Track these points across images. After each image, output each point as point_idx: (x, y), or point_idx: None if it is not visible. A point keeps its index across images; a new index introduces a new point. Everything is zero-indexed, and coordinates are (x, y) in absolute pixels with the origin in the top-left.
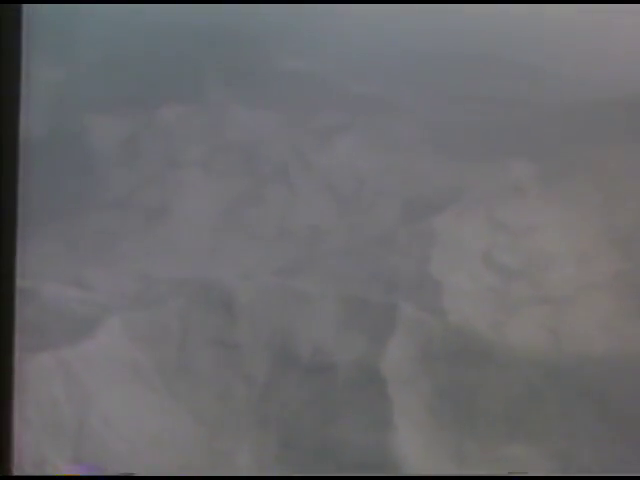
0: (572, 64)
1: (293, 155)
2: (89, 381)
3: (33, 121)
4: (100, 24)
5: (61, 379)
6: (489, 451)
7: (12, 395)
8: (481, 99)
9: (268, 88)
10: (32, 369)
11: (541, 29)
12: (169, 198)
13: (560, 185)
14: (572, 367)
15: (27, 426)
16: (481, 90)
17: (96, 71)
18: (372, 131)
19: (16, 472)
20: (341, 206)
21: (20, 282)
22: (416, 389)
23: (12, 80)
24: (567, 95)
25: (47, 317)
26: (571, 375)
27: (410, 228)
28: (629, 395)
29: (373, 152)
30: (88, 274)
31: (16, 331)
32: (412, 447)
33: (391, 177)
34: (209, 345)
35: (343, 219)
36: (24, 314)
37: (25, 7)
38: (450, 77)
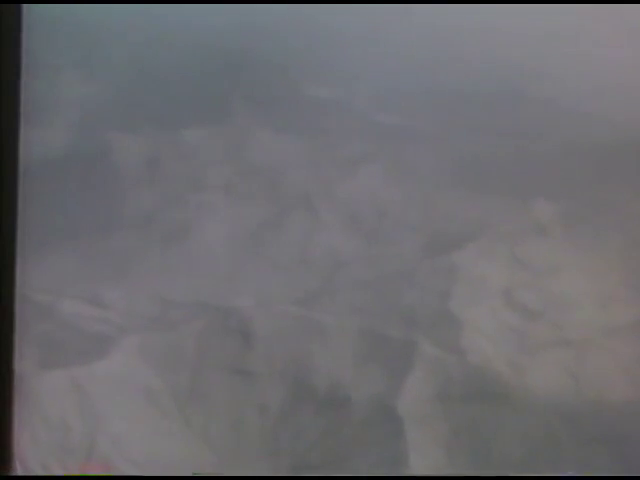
0: (598, 101)
1: (315, 183)
2: (101, 402)
3: (54, 137)
4: (126, 43)
5: (73, 398)
6: None
7: (12, 395)
8: (507, 134)
9: (293, 114)
10: (44, 386)
11: (569, 66)
12: (189, 220)
13: (582, 226)
14: (591, 412)
15: (35, 444)
16: (507, 125)
17: (121, 89)
18: (396, 162)
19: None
20: (362, 237)
21: (36, 297)
22: (432, 429)
23: (12, 80)
24: (593, 133)
25: (62, 334)
26: (589, 420)
27: (430, 262)
28: None
29: (396, 183)
30: (105, 293)
31: (21, 337)
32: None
33: (413, 209)
34: (224, 372)
35: (363, 250)
36: (40, 330)
37: (30, 8)
38: (478, 111)
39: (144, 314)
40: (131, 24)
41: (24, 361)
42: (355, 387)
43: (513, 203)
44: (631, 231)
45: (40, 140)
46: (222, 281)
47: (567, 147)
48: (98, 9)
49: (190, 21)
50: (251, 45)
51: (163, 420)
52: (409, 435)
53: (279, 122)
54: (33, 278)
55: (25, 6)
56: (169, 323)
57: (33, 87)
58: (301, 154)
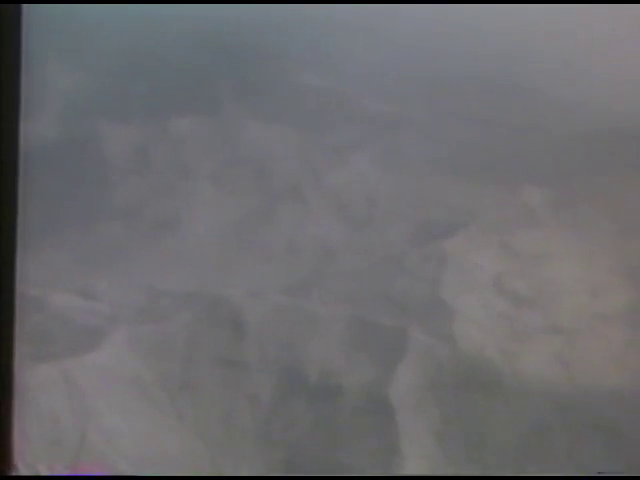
0: (591, 92)
1: (305, 172)
2: (91, 395)
3: (43, 127)
4: (117, 32)
5: (63, 391)
6: None
7: (12, 395)
8: (497, 123)
9: (282, 103)
10: (34, 379)
11: (563, 56)
12: (178, 210)
13: (573, 213)
14: (583, 399)
15: (26, 439)
16: (497, 114)
17: (111, 79)
18: (386, 150)
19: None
20: (352, 226)
21: (26, 290)
22: (424, 417)
23: (12, 80)
24: (584, 123)
25: (52, 326)
26: (582, 407)
27: (421, 250)
28: None
29: (386, 171)
30: (95, 284)
31: (16, 331)
32: (418, 474)
33: (403, 198)
34: (215, 362)
35: (353, 239)
36: (30, 322)
37: (32, 8)
38: (468, 100)
39: (134, 305)
40: (121, 14)
41: (15, 354)
42: (346, 376)
43: (503, 191)
44: (622, 218)
45: (28, 130)
46: (212, 271)
47: (558, 135)
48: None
49: (180, 12)
50: (241, 35)
51: (154, 412)
52: (401, 424)
53: (269, 111)
54: (22, 270)
55: (25, 6)
56: (159, 313)
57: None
58: (291, 143)
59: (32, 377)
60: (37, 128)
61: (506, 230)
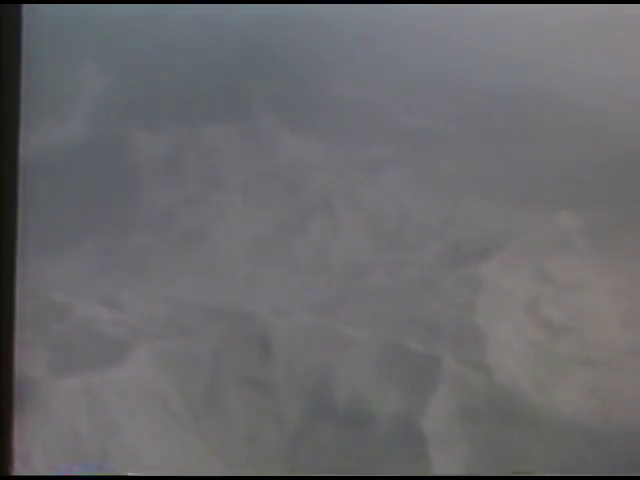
0: (630, 108)
1: (336, 186)
2: (114, 411)
3: (71, 131)
4: (145, 36)
5: (85, 405)
6: None
7: (13, 393)
8: (533, 142)
9: (314, 114)
10: (56, 391)
11: (601, 69)
12: (208, 221)
13: (610, 239)
14: (618, 435)
15: (46, 452)
16: (535, 132)
17: (143, 84)
18: (419, 166)
19: (16, 472)
20: (383, 243)
21: (50, 297)
22: (456, 448)
23: (12, 80)
24: (624, 141)
25: (76, 336)
26: (617, 443)
27: (454, 273)
28: None
29: (419, 188)
30: (121, 294)
31: (16, 332)
32: None
33: (436, 216)
34: (241, 382)
35: (384, 257)
36: (53, 331)
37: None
38: (505, 117)
39: (159, 317)
40: (151, 17)
41: (36, 366)
42: (377, 403)
43: (538, 214)
44: None
45: (55, 135)
46: (239, 285)
47: (596, 155)
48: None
49: (212, 16)
50: (274, 43)
51: (178, 431)
52: (432, 456)
53: (300, 122)
54: (48, 277)
55: (25, 6)
56: (185, 328)
57: (49, 80)
58: (322, 156)
59: (54, 389)
60: (64, 133)
61: (541, 255)
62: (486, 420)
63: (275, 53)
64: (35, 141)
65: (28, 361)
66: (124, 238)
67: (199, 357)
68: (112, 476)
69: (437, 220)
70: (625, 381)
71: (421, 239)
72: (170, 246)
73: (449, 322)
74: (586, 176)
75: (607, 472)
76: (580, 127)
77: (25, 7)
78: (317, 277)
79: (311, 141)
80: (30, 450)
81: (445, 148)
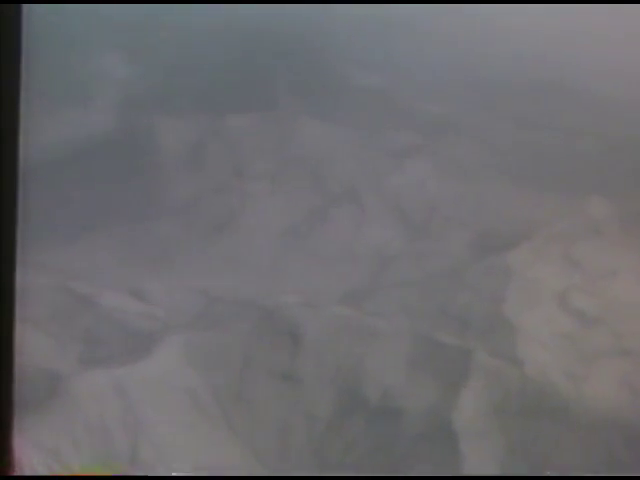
0: None
1: (363, 175)
2: (143, 405)
3: (97, 120)
4: (173, 27)
5: (114, 399)
6: None
7: (12, 392)
8: (560, 129)
9: (340, 104)
10: (84, 385)
11: (623, 59)
12: (233, 211)
13: None
14: None
15: (75, 446)
16: (560, 120)
17: (167, 74)
18: (445, 155)
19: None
20: (410, 232)
21: (76, 289)
22: (488, 443)
23: (12, 80)
24: None
25: (103, 328)
26: None
27: (482, 263)
28: None
29: (445, 177)
30: (147, 285)
31: (16, 333)
32: None
33: (463, 205)
34: (270, 375)
35: (412, 247)
36: (79, 323)
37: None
38: (529, 105)
39: (186, 310)
40: (179, 9)
41: (65, 358)
42: (408, 397)
43: (568, 201)
44: None
45: (82, 123)
46: (268, 276)
47: (625, 143)
48: None
49: (238, 8)
50: (299, 33)
51: (207, 426)
52: (464, 451)
53: (326, 112)
54: (72, 268)
55: (26, 6)
56: (213, 320)
57: (77, 69)
58: (348, 145)
59: (82, 383)
60: (89, 122)
61: (571, 243)
62: (518, 415)
63: (299, 42)
64: (49, 137)
65: (55, 355)
66: (150, 228)
67: (228, 351)
68: (112, 476)
69: (464, 209)
70: None
71: (448, 228)
72: (196, 236)
73: (479, 314)
74: (617, 163)
75: (636, 466)
76: (610, 116)
77: (25, 7)
78: (345, 268)
79: (335, 129)
80: (59, 445)
81: (470, 137)
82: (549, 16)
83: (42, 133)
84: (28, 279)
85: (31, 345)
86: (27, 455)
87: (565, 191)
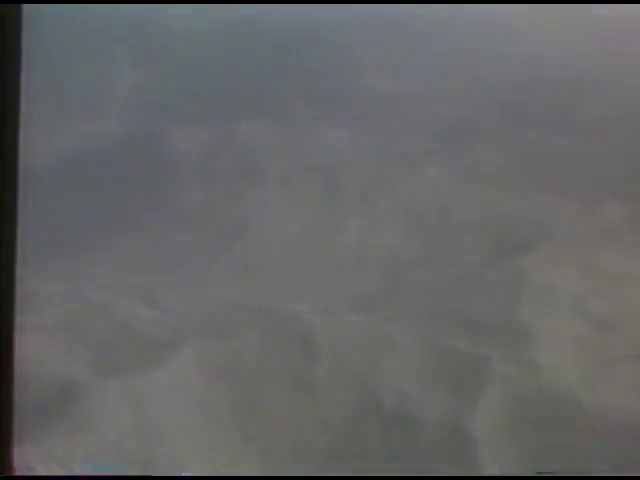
0: None
1: (376, 180)
2: (157, 413)
3: (107, 126)
4: (183, 32)
5: (128, 408)
6: None
7: (13, 392)
8: (575, 132)
9: (353, 108)
10: (98, 393)
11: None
12: (246, 217)
13: None
14: None
15: (88, 455)
16: (575, 122)
17: (179, 79)
18: (459, 159)
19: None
20: (424, 237)
21: (89, 295)
22: (505, 453)
23: (12, 80)
24: None
25: (116, 335)
26: None
27: (498, 266)
28: None
29: (459, 181)
30: (160, 293)
31: (16, 332)
32: None
33: (477, 209)
34: (285, 384)
35: (426, 252)
36: (92, 330)
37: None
38: (544, 108)
39: (201, 317)
40: (189, 14)
41: (78, 366)
42: (424, 405)
43: (583, 205)
44: None
45: (92, 130)
46: (281, 283)
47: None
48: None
49: (249, 11)
50: (311, 37)
51: (222, 435)
52: (482, 460)
53: (339, 116)
54: (85, 275)
55: (26, 6)
56: (227, 329)
57: (86, 76)
58: (361, 149)
59: (96, 390)
60: (101, 127)
61: (587, 247)
62: (536, 422)
63: (313, 48)
64: (57, 142)
65: (70, 362)
66: (163, 235)
67: (242, 357)
68: (113, 476)
69: (478, 213)
70: None
71: (462, 232)
72: (210, 243)
73: (495, 319)
74: (633, 167)
75: None
76: (626, 118)
77: (25, 7)
78: (359, 273)
79: (348, 133)
80: (74, 452)
81: (485, 140)
82: (572, 16)
83: (53, 139)
84: (41, 287)
85: (44, 353)
86: (32, 461)
87: (581, 195)
